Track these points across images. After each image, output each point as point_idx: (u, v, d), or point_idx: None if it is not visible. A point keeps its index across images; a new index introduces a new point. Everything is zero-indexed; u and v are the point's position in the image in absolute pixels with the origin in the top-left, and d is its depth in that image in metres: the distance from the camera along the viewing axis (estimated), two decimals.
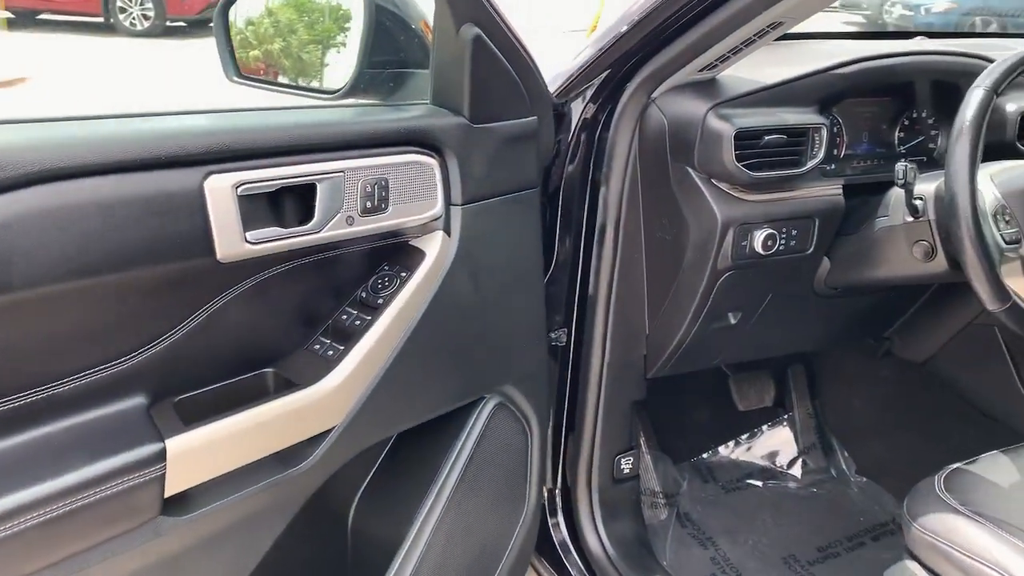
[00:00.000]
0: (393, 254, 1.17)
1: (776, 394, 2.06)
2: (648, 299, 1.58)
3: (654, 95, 1.44)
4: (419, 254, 1.17)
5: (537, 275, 1.35)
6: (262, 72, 1.39)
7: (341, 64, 1.31)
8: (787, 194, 1.43)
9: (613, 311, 1.55)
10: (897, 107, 1.58)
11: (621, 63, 1.40)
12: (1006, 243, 1.23)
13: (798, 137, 1.38)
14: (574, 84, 1.45)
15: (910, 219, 1.37)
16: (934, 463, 1.90)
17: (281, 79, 1.40)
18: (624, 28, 1.31)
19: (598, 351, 1.58)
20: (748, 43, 1.30)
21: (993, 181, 1.29)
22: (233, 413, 0.99)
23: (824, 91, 1.43)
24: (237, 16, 1.32)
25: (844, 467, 2.03)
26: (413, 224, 1.14)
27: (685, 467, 2.00)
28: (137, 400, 0.98)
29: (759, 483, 2.00)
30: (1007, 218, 1.25)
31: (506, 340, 1.31)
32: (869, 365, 2.00)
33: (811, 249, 1.48)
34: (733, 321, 1.56)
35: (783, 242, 1.43)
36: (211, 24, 1.35)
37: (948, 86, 1.57)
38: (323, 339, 1.13)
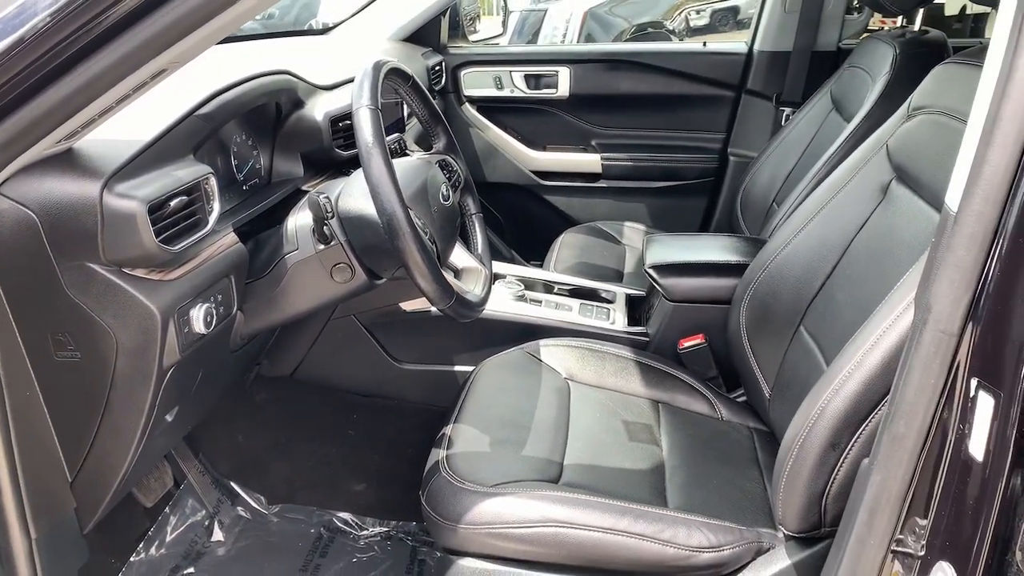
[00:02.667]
0: None
1: (172, 469, 1.81)
2: (61, 442, 1.19)
3: None
4: None
5: None
6: None
7: None
8: (199, 259, 1.24)
9: (23, 476, 1.13)
10: (225, 136, 1.49)
11: None
12: (432, 243, 1.33)
13: (195, 194, 1.19)
14: None
15: (322, 247, 1.35)
16: (335, 458, 1.99)
17: None
18: None
19: (18, 535, 1.15)
20: (124, 100, 1.04)
21: None
22: None
23: (196, 136, 1.26)
24: None
25: (256, 505, 1.94)
26: None
27: None
28: None
29: (191, 569, 1.77)
30: (420, 220, 1.33)
31: None
32: (241, 396, 1.92)
33: (235, 308, 1.32)
34: (170, 419, 1.31)
35: (216, 312, 1.25)
36: None
37: (258, 107, 1.55)
38: None
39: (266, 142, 1.61)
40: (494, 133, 2.90)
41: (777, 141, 2.46)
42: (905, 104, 1.51)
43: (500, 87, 2.83)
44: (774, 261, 1.63)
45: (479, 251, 1.60)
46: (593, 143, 2.89)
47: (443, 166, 1.54)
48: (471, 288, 1.46)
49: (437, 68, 2.70)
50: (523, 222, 2.99)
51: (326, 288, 1.38)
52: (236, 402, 1.91)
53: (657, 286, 1.81)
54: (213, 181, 1.24)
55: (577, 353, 1.74)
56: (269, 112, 1.59)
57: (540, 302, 1.94)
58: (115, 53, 0.95)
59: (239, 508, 1.93)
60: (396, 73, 1.41)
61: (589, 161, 2.88)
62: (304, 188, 1.61)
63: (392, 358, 1.90)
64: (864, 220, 1.49)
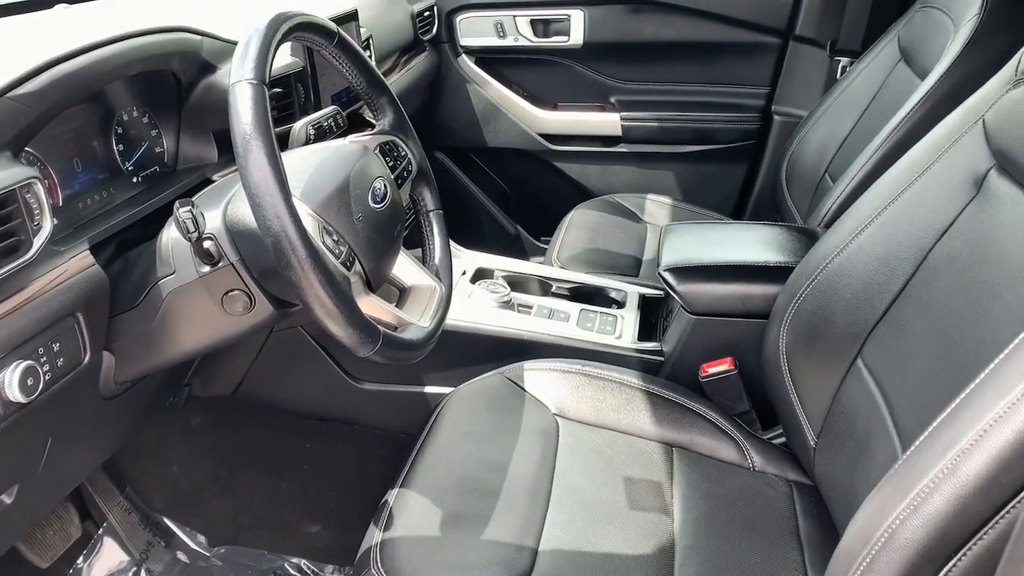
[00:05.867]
0: None
1: (79, 516, 1.52)
2: None
3: None
4: None
5: None
6: None
7: None
8: (21, 297, 0.90)
9: None
10: (101, 111, 1.15)
11: None
12: (347, 269, 0.98)
13: (9, 207, 0.85)
14: None
15: (206, 269, 1.00)
16: (286, 493, 1.68)
17: None
18: None
19: None
20: None
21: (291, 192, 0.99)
22: None
23: (13, 128, 0.91)
24: None
25: (195, 546, 1.64)
26: None
27: None
28: None
29: None
30: (332, 235, 0.98)
31: None
32: (173, 421, 1.61)
33: (87, 356, 0.99)
34: (9, 500, 0.99)
35: (49, 368, 0.92)
36: None
37: (152, 73, 1.20)
38: None
39: (169, 119, 1.27)
40: (495, 90, 2.50)
41: (831, 98, 2.04)
42: (1011, 65, 1.10)
43: (502, 35, 2.43)
44: (827, 269, 1.25)
45: (436, 260, 1.24)
46: (612, 100, 2.48)
47: (387, 151, 1.18)
48: (416, 317, 1.11)
49: (427, 14, 2.31)
50: (530, 193, 2.62)
51: (218, 322, 1.04)
52: (167, 427, 1.60)
53: (674, 294, 1.44)
54: (39, 189, 0.89)
55: (571, 380, 1.39)
56: (169, 81, 1.23)
57: (530, 309, 1.58)
58: None
59: (177, 552, 1.63)
60: (309, 29, 1.04)
61: (607, 122, 2.47)
62: (213, 177, 1.26)
63: (349, 376, 1.57)
64: (949, 222, 1.10)
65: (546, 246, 2.61)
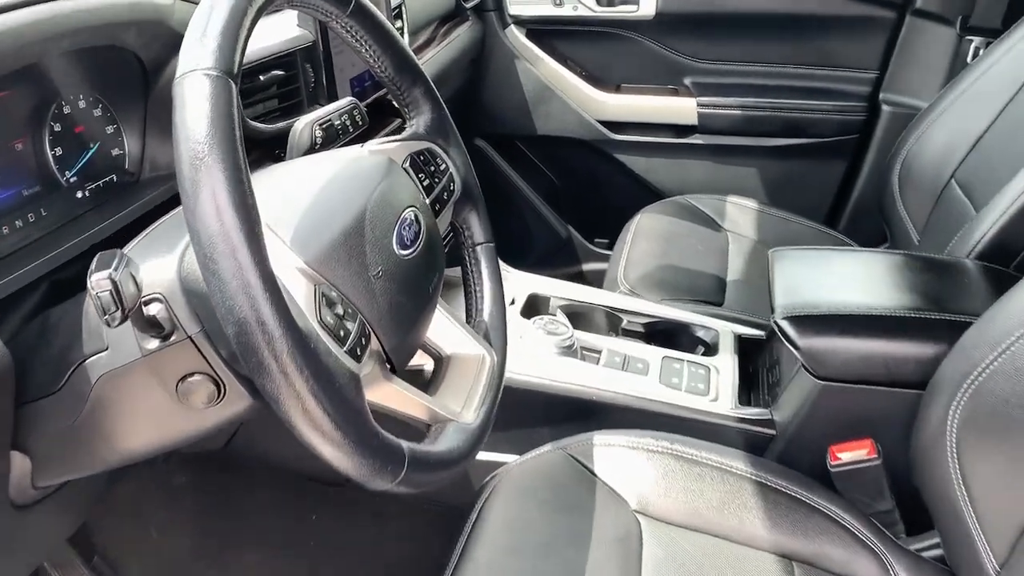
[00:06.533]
0: None
1: None
2: None
3: None
4: None
5: None
6: None
7: None
8: None
9: None
10: (31, 101, 0.83)
11: None
12: (357, 358, 0.65)
13: None
14: None
15: (153, 344, 0.68)
16: (285, 572, 1.38)
17: None
18: None
19: None
20: None
21: (276, 233, 0.67)
22: None
23: None
24: None
25: None
26: None
27: None
28: None
29: None
30: (336, 306, 0.65)
31: None
32: (153, 479, 1.31)
33: None
34: None
35: None
36: None
37: (104, 49, 0.88)
38: None
39: (132, 111, 0.95)
40: (549, 68, 2.16)
41: (960, 87, 1.67)
42: None
43: (559, 2, 2.09)
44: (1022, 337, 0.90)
45: (484, 315, 0.90)
46: (686, 83, 2.13)
47: (421, 164, 0.85)
48: (457, 405, 0.78)
49: None
50: (585, 190, 2.29)
51: (172, 418, 0.72)
52: (146, 488, 1.31)
53: (794, 351, 1.09)
54: None
55: (657, 463, 1.06)
56: (130, 60, 0.91)
57: (598, 355, 1.25)
58: None
59: None
60: None
61: (680, 108, 2.13)
62: None
63: None
64: None
65: (601, 250, 2.28)
